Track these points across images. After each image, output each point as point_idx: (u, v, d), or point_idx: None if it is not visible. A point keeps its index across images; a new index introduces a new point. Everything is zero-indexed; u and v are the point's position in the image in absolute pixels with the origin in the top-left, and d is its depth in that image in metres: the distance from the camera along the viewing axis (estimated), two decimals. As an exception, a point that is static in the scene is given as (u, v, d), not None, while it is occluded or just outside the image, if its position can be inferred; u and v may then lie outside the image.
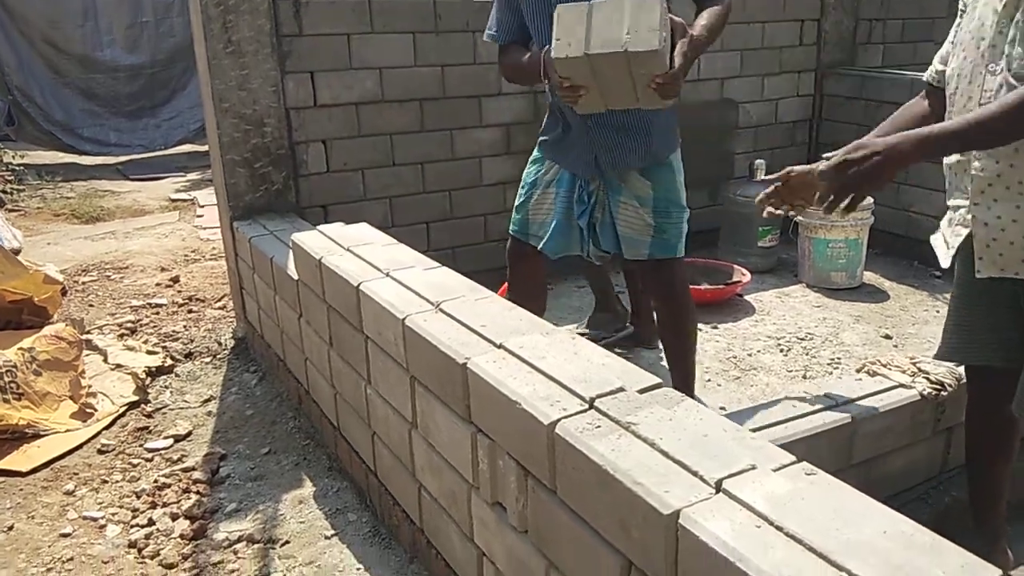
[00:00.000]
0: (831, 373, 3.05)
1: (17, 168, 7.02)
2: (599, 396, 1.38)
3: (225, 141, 3.17)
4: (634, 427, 1.28)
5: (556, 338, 1.63)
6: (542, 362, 1.51)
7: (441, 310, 1.82)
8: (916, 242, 4.02)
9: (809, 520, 1.02)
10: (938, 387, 2.01)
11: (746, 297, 3.80)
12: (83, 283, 4.44)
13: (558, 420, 1.32)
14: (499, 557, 1.60)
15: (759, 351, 3.24)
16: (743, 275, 3.80)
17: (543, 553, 1.42)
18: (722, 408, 2.79)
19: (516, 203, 2.60)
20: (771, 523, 1.03)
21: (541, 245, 2.52)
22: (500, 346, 1.61)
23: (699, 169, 4.65)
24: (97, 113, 8.08)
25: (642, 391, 1.40)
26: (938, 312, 3.67)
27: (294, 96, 3.29)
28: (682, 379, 2.54)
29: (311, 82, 3.33)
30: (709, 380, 2.99)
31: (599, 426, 1.30)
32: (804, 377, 3.02)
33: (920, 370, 2.06)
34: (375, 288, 1.98)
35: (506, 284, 3.27)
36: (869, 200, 3.97)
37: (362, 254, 2.24)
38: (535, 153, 2.59)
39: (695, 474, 1.15)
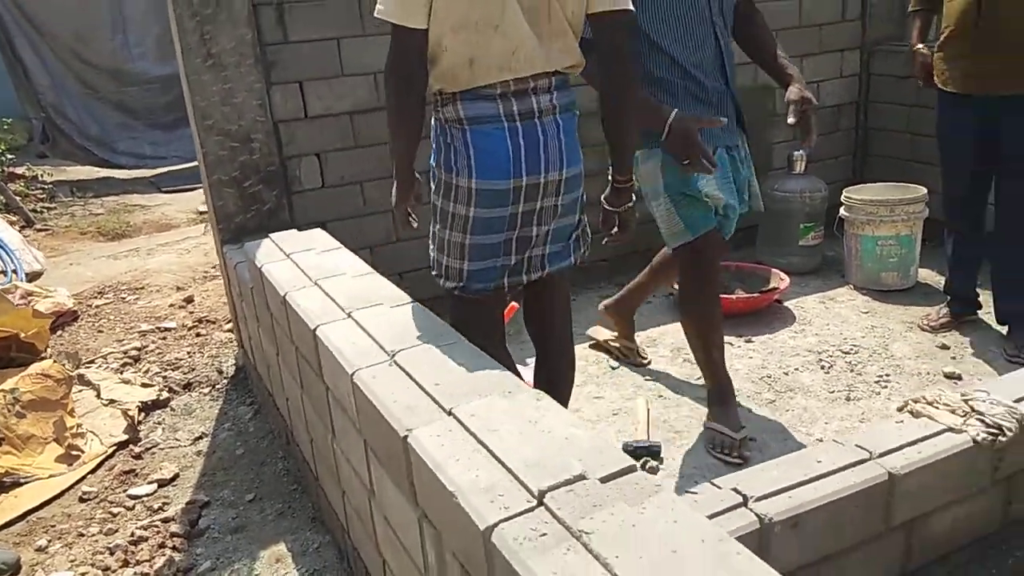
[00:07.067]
0: (878, 394, 2.71)
1: (48, 186, 7.00)
2: (552, 488, 1.12)
3: (211, 160, 2.97)
4: (586, 537, 1.01)
5: (518, 401, 1.37)
6: (492, 437, 1.25)
7: (396, 363, 1.57)
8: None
9: None
10: (995, 431, 1.68)
11: (786, 303, 3.46)
12: (96, 307, 4.33)
13: (496, 524, 1.07)
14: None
15: (797, 369, 2.91)
16: (781, 280, 3.46)
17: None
18: (752, 440, 2.50)
19: (680, 210, 2.36)
20: None
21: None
22: (450, 412, 1.36)
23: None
24: (132, 126, 8.00)
25: (605, 479, 1.13)
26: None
27: (282, 108, 3.07)
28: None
29: (300, 92, 3.10)
30: (739, 405, 2.68)
31: (544, 534, 1.04)
32: (847, 399, 2.69)
33: (973, 409, 1.73)
34: (330, 334, 1.75)
35: (513, 305, 3.01)
36: (922, 191, 3.59)
37: (328, 289, 2.01)
38: (655, 157, 2.32)
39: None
